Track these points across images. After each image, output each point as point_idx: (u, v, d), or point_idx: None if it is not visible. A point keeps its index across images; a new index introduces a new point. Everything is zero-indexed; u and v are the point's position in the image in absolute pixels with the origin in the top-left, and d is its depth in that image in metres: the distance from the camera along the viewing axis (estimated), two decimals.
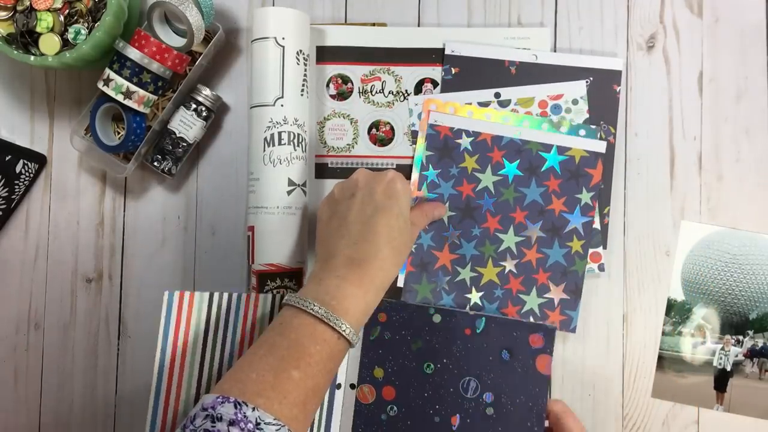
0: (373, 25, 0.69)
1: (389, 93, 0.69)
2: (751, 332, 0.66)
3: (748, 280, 0.66)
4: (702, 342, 0.67)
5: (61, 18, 0.63)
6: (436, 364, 0.61)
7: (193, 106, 0.66)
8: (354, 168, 0.68)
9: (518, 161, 0.66)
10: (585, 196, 0.66)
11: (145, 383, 0.68)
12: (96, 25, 0.61)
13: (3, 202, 0.67)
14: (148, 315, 0.68)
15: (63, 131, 0.70)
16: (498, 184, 0.67)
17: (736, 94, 0.69)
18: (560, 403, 0.60)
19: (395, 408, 0.62)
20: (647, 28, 0.69)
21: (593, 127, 0.66)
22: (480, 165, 0.67)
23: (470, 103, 0.67)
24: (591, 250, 0.66)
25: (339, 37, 0.69)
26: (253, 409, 0.46)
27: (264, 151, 0.63)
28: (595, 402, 0.67)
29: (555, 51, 0.69)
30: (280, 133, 0.63)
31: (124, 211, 0.69)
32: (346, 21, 0.70)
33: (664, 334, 0.67)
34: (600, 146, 0.66)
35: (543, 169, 0.66)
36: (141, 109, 0.63)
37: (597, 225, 0.66)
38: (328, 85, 0.69)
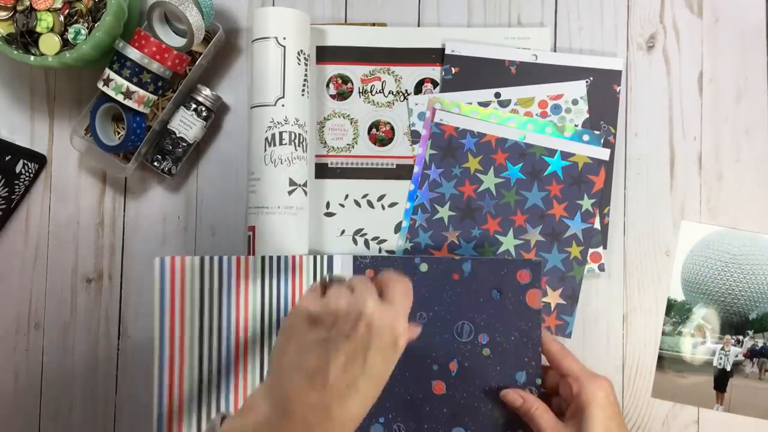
0: (373, 25, 0.69)
1: (389, 93, 0.69)
2: (751, 332, 0.66)
3: (748, 280, 0.66)
4: (702, 342, 0.67)
5: (61, 18, 0.63)
6: (428, 313, 0.62)
7: (193, 106, 0.66)
8: (354, 168, 0.68)
9: (521, 164, 0.66)
10: (586, 203, 0.66)
11: (145, 383, 0.68)
12: (96, 25, 0.61)
13: (3, 202, 0.67)
14: (148, 315, 0.68)
15: (63, 131, 0.70)
16: (500, 187, 0.67)
17: (736, 94, 0.69)
18: (557, 343, 0.60)
19: None
20: (647, 28, 0.69)
21: (597, 132, 0.66)
22: (483, 166, 0.67)
23: (471, 103, 0.67)
24: (591, 250, 0.66)
25: (339, 37, 0.69)
26: None
27: (265, 151, 0.63)
28: None
29: (555, 51, 0.69)
30: (281, 133, 0.63)
31: (124, 211, 0.69)
32: (346, 21, 0.70)
33: (664, 334, 0.67)
34: (603, 153, 0.66)
35: (546, 173, 0.66)
36: (141, 109, 0.63)
37: (597, 225, 0.66)
38: (328, 85, 0.69)
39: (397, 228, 0.68)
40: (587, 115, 0.67)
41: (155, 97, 0.64)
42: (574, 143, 0.66)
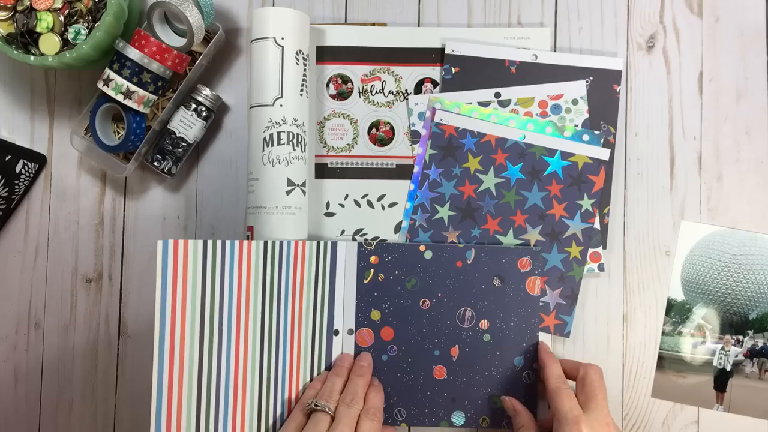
0: (373, 25, 0.69)
1: (389, 93, 0.69)
2: (751, 332, 0.66)
3: (748, 280, 0.66)
4: (702, 342, 0.67)
5: (61, 18, 0.63)
6: (431, 300, 0.64)
7: (193, 106, 0.66)
8: (354, 168, 0.68)
9: (521, 164, 0.66)
10: (586, 203, 0.66)
11: (145, 383, 0.68)
12: (96, 25, 0.61)
13: (3, 202, 0.67)
14: (148, 315, 0.68)
15: (63, 131, 0.70)
16: (500, 186, 0.67)
17: (736, 94, 0.69)
18: (543, 346, 0.64)
19: (395, 347, 0.64)
20: (647, 28, 0.69)
21: (597, 132, 0.66)
22: (483, 166, 0.67)
23: (471, 103, 0.67)
24: (591, 250, 0.66)
25: (339, 36, 0.69)
26: None
27: (263, 151, 0.63)
28: None
29: (555, 51, 0.69)
30: (279, 133, 0.63)
31: (124, 211, 0.69)
32: (346, 21, 0.70)
33: (664, 334, 0.67)
34: (603, 153, 0.66)
35: (545, 173, 0.66)
36: (141, 109, 0.63)
37: (597, 225, 0.66)
38: (328, 85, 0.69)
39: (397, 228, 0.68)
40: (587, 115, 0.67)
41: (155, 97, 0.64)
42: (574, 143, 0.66)
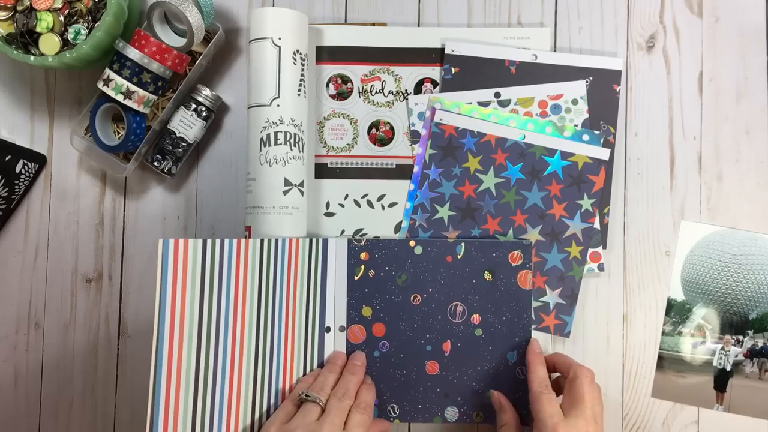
0: (373, 24, 0.69)
1: (389, 93, 0.69)
2: (751, 332, 0.66)
3: (748, 280, 0.66)
4: (702, 342, 0.67)
5: (61, 18, 0.63)
6: (422, 295, 0.64)
7: (193, 106, 0.66)
8: (354, 168, 0.68)
9: (521, 164, 0.66)
10: (586, 203, 0.66)
11: (145, 382, 0.68)
12: (96, 25, 0.61)
13: (3, 202, 0.67)
14: (148, 315, 0.68)
15: (63, 131, 0.70)
16: (500, 186, 0.67)
17: (736, 94, 0.69)
18: (533, 346, 0.63)
19: (386, 343, 0.64)
20: (647, 28, 0.69)
21: (597, 132, 0.66)
22: (483, 166, 0.67)
23: (470, 103, 0.67)
24: (591, 250, 0.66)
25: (339, 36, 0.69)
26: None
27: (260, 151, 0.63)
28: None
29: (555, 51, 0.69)
30: (276, 133, 0.63)
31: (124, 211, 0.69)
32: (346, 21, 0.70)
33: (664, 334, 0.67)
34: (603, 153, 0.66)
35: (545, 173, 0.66)
36: (141, 109, 0.63)
37: (597, 225, 0.66)
38: (327, 85, 0.69)
39: (397, 228, 0.68)
40: (587, 115, 0.67)
41: (155, 97, 0.64)
42: (574, 143, 0.66)
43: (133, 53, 0.61)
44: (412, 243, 0.64)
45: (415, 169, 0.68)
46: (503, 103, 0.67)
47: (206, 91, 0.66)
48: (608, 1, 0.70)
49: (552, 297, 0.66)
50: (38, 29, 0.62)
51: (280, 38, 0.63)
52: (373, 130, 0.69)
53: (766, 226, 0.67)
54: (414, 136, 0.68)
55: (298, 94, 0.64)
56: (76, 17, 0.63)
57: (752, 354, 0.66)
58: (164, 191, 0.69)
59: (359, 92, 0.69)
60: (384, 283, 0.64)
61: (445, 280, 0.64)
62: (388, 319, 0.64)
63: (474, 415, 0.64)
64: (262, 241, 0.59)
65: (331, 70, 0.69)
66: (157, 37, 0.64)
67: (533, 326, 0.66)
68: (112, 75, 0.62)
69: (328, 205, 0.68)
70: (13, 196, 0.67)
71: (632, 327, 0.67)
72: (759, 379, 0.66)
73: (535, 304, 0.66)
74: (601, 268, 0.66)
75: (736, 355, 0.66)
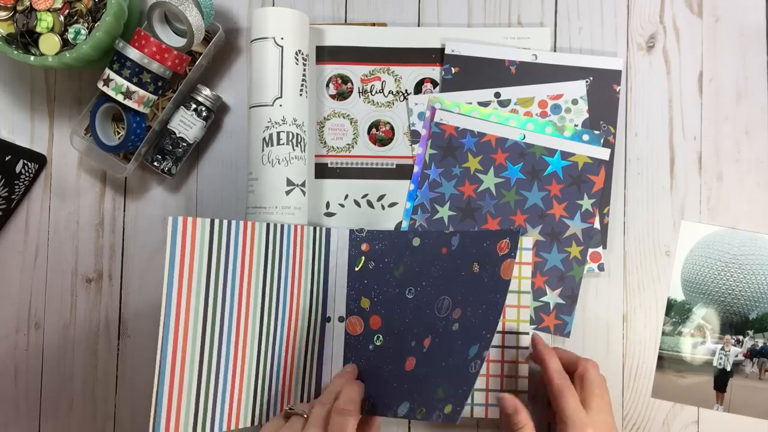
0: (373, 25, 0.69)
1: (389, 93, 0.69)
2: (751, 332, 0.66)
3: (748, 280, 0.66)
4: (702, 342, 0.67)
5: (61, 18, 0.63)
6: (416, 288, 0.62)
7: (193, 106, 0.66)
8: (354, 168, 0.68)
9: (521, 164, 0.66)
10: (586, 203, 0.66)
11: (145, 382, 0.68)
12: (96, 25, 0.61)
13: (3, 202, 0.67)
14: (148, 315, 0.68)
15: (63, 131, 0.70)
16: (500, 186, 0.67)
17: (736, 94, 0.69)
18: (538, 339, 0.63)
19: (381, 337, 0.63)
20: (647, 28, 0.69)
21: (597, 132, 0.66)
22: (483, 166, 0.67)
23: (470, 103, 0.67)
24: (591, 250, 0.66)
25: (339, 36, 0.69)
26: None
27: (263, 151, 0.63)
28: None
29: (555, 51, 0.69)
30: (278, 133, 0.63)
31: (124, 211, 0.69)
32: (346, 21, 0.70)
33: (664, 334, 0.67)
34: (603, 153, 0.66)
35: (545, 173, 0.66)
36: (141, 109, 0.63)
37: (597, 225, 0.66)
38: (327, 85, 0.69)
39: (397, 228, 0.68)
40: (587, 115, 0.67)
41: (155, 97, 0.64)
42: (574, 143, 0.66)
43: (133, 53, 0.61)
44: (410, 235, 0.64)
45: (415, 169, 0.68)
46: (503, 103, 0.67)
47: (206, 91, 0.66)
48: (608, 1, 0.70)
49: (552, 297, 0.66)
50: (38, 29, 0.62)
51: (282, 38, 0.63)
52: (373, 130, 0.69)
53: (766, 226, 0.67)
54: (414, 136, 0.68)
55: (300, 94, 0.64)
56: (76, 17, 0.63)
57: (752, 354, 0.66)
58: (164, 191, 0.69)
59: (359, 92, 0.69)
60: (383, 275, 0.64)
61: (438, 273, 0.62)
62: (384, 312, 0.63)
63: (417, 411, 0.57)
64: (267, 225, 0.60)
65: (331, 70, 0.69)
66: (157, 37, 0.64)
67: (533, 326, 0.66)
68: (112, 75, 0.62)
69: (328, 205, 0.68)
70: (13, 196, 0.67)
71: (632, 327, 0.67)
72: (759, 379, 0.66)
73: (535, 304, 0.66)
74: (601, 268, 0.66)
75: (736, 355, 0.66)
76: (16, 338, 0.69)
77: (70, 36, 0.63)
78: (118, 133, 0.68)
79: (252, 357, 0.59)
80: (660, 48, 0.69)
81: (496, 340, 0.64)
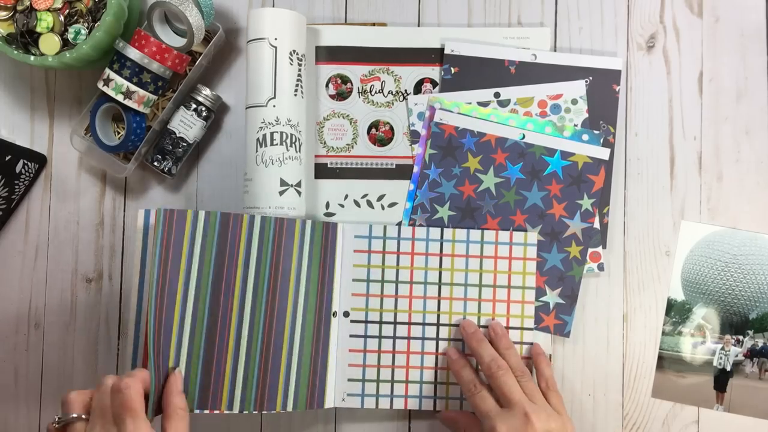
0: (373, 25, 0.69)
1: (389, 93, 0.69)
2: (751, 332, 0.66)
3: (748, 280, 0.66)
4: (702, 342, 0.67)
5: (61, 18, 0.63)
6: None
7: (193, 106, 0.66)
8: (353, 168, 0.68)
9: (521, 164, 0.66)
10: (586, 202, 0.66)
11: None
12: (96, 25, 0.61)
13: (3, 202, 0.67)
14: None
15: (63, 131, 0.70)
16: (500, 186, 0.67)
17: (736, 94, 0.69)
18: (537, 345, 0.64)
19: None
20: (647, 28, 0.69)
21: (596, 132, 0.66)
22: (483, 166, 0.67)
23: (470, 103, 0.67)
24: (590, 250, 0.66)
25: (338, 36, 0.69)
26: None
27: (256, 151, 0.63)
28: (595, 402, 0.67)
29: (555, 51, 0.69)
30: (272, 134, 0.63)
31: (124, 211, 0.69)
32: (346, 21, 0.70)
33: (664, 333, 0.67)
34: (603, 153, 0.66)
35: (545, 173, 0.66)
36: (141, 109, 0.63)
37: (596, 225, 0.66)
38: (327, 85, 0.69)
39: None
40: (587, 115, 0.67)
41: (155, 97, 0.64)
42: (574, 143, 0.66)
43: (133, 53, 0.61)
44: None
45: (415, 169, 0.68)
46: (503, 103, 0.67)
47: (206, 91, 0.66)
48: (608, 1, 0.70)
49: (552, 297, 0.66)
50: (38, 29, 0.62)
51: (276, 39, 0.63)
52: (373, 130, 0.69)
53: (766, 226, 0.67)
54: (414, 136, 0.68)
55: (295, 95, 0.64)
56: (76, 17, 0.63)
57: (752, 354, 0.66)
58: (164, 191, 0.69)
59: (359, 92, 0.69)
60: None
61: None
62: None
63: None
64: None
65: (330, 70, 0.69)
66: (157, 37, 0.64)
67: (534, 326, 0.66)
68: (112, 75, 0.62)
69: (327, 205, 0.68)
70: (13, 196, 0.68)
71: (632, 327, 0.67)
72: (759, 379, 0.66)
73: (535, 304, 0.66)
74: (601, 268, 0.66)
75: (736, 355, 0.66)
76: (16, 338, 0.69)
77: (70, 36, 0.63)
78: (118, 133, 0.68)
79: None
80: (660, 48, 0.69)
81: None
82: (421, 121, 0.68)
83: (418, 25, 0.70)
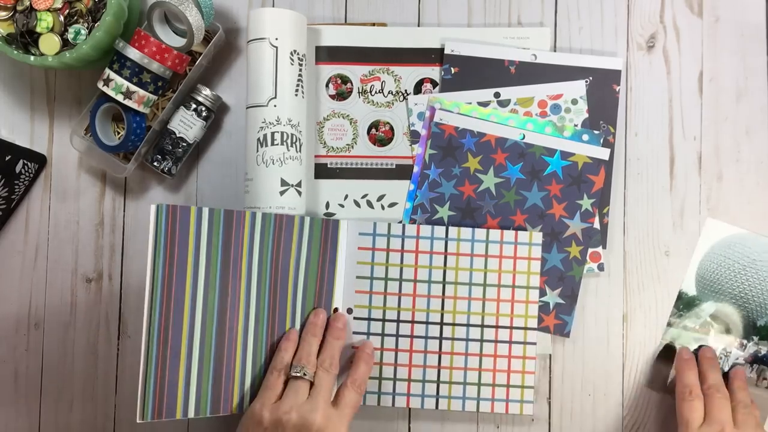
0: (373, 25, 0.69)
1: (389, 93, 0.69)
2: (756, 338, 0.66)
3: (762, 287, 0.66)
4: (705, 340, 0.66)
5: (61, 18, 0.63)
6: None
7: (193, 106, 0.66)
8: (353, 168, 0.68)
9: (521, 164, 0.66)
10: (586, 203, 0.66)
11: None
12: (96, 25, 0.61)
13: (3, 202, 0.67)
14: None
15: (63, 131, 0.70)
16: (500, 186, 0.67)
17: (736, 94, 0.69)
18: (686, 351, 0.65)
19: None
20: (647, 28, 0.69)
21: (596, 132, 0.66)
22: (483, 166, 0.67)
23: (470, 103, 0.67)
24: (590, 250, 0.66)
25: (339, 36, 0.69)
26: None
27: (257, 151, 0.63)
28: (595, 402, 0.67)
29: (555, 51, 0.69)
30: (272, 134, 0.63)
31: (124, 211, 0.69)
32: (346, 21, 0.70)
33: (669, 325, 0.67)
34: (603, 153, 0.66)
35: (545, 173, 0.66)
36: (141, 109, 0.63)
37: (596, 225, 0.66)
38: (327, 86, 0.69)
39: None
40: (587, 115, 0.67)
41: (155, 97, 0.64)
42: (574, 143, 0.66)
43: (133, 53, 0.61)
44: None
45: (415, 169, 0.68)
46: (503, 103, 0.67)
47: (206, 91, 0.66)
48: (608, 1, 0.70)
49: (552, 297, 0.66)
50: (38, 29, 0.62)
51: (277, 38, 0.63)
52: (373, 131, 0.69)
53: (766, 227, 0.67)
54: (414, 136, 0.68)
55: (296, 95, 0.64)
56: (76, 17, 0.63)
57: (754, 360, 0.66)
58: (164, 191, 0.69)
59: (359, 92, 0.69)
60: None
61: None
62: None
63: None
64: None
65: (330, 70, 0.69)
66: (157, 37, 0.64)
67: (534, 326, 0.65)
68: (112, 75, 0.62)
69: (327, 205, 0.68)
70: (13, 196, 0.68)
71: (632, 327, 0.67)
72: (755, 386, 0.66)
73: (538, 303, 0.66)
74: (601, 268, 0.66)
75: (737, 358, 0.66)
76: (16, 338, 0.69)
77: (70, 36, 0.63)
78: (118, 133, 0.68)
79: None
80: (660, 48, 0.69)
81: (504, 335, 0.64)
82: (421, 121, 0.68)
83: (418, 25, 0.70)
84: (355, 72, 0.69)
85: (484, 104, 0.67)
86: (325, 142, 0.68)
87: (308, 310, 0.63)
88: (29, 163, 0.67)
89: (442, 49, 0.68)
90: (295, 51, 0.64)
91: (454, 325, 0.65)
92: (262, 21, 0.63)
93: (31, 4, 0.62)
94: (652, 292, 0.67)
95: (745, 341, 0.66)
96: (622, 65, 0.68)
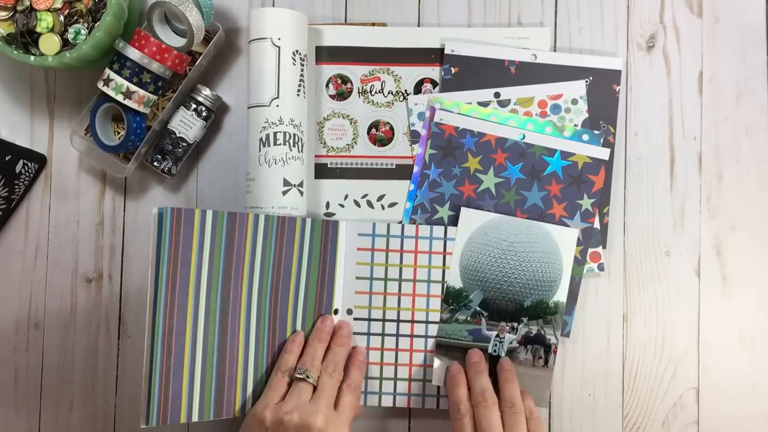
0: (373, 25, 0.69)
1: (389, 93, 0.69)
2: (525, 319, 0.65)
3: (523, 268, 0.65)
4: (478, 329, 0.65)
5: (61, 18, 0.63)
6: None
7: (193, 106, 0.66)
8: (353, 168, 0.68)
9: (521, 164, 0.66)
10: (586, 202, 0.66)
11: None
12: (96, 25, 0.61)
13: (3, 202, 0.67)
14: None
15: (63, 131, 0.70)
16: (500, 186, 0.67)
17: (736, 94, 0.69)
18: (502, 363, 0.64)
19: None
20: (647, 28, 0.69)
21: (596, 132, 0.66)
22: (483, 166, 0.67)
23: (470, 103, 0.67)
24: (590, 250, 0.66)
25: (339, 37, 0.69)
26: None
27: (259, 151, 0.63)
28: (595, 402, 0.67)
29: (555, 51, 0.69)
30: (275, 134, 0.63)
31: (124, 211, 0.69)
32: (346, 21, 0.70)
33: (442, 321, 0.65)
34: (603, 153, 0.66)
35: (545, 173, 0.66)
36: (141, 109, 0.63)
37: (597, 225, 0.66)
38: (327, 86, 0.69)
39: None
40: (587, 115, 0.67)
41: (155, 97, 0.64)
42: (574, 143, 0.66)
43: (133, 53, 0.61)
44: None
45: (415, 169, 0.68)
46: (503, 103, 0.67)
47: (206, 91, 0.66)
48: (608, 1, 0.70)
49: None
50: (38, 29, 0.62)
51: (279, 38, 0.63)
52: (373, 131, 0.69)
53: (766, 227, 0.67)
54: (414, 136, 0.68)
55: (298, 95, 0.64)
56: (76, 17, 0.63)
57: (526, 341, 0.65)
58: (164, 191, 0.69)
59: (359, 92, 0.69)
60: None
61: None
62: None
63: None
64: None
65: (330, 70, 0.69)
66: (157, 37, 0.64)
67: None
68: (112, 75, 0.62)
69: (327, 205, 0.68)
70: (13, 196, 0.68)
71: (632, 327, 0.67)
72: (533, 366, 0.65)
73: None
74: (601, 268, 0.66)
75: (511, 342, 0.65)
76: (16, 338, 0.69)
77: (70, 36, 0.63)
78: (118, 133, 0.68)
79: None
80: (660, 48, 0.69)
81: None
82: (421, 121, 0.68)
83: (418, 25, 0.70)
84: (355, 72, 0.69)
85: (484, 104, 0.67)
86: (325, 142, 0.68)
87: (309, 312, 0.63)
88: (29, 163, 0.67)
89: (442, 49, 0.68)
90: (296, 51, 0.64)
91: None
92: (264, 21, 0.63)
93: (31, 4, 0.62)
94: (653, 292, 0.67)
95: (515, 324, 0.65)
96: (622, 65, 0.68)
